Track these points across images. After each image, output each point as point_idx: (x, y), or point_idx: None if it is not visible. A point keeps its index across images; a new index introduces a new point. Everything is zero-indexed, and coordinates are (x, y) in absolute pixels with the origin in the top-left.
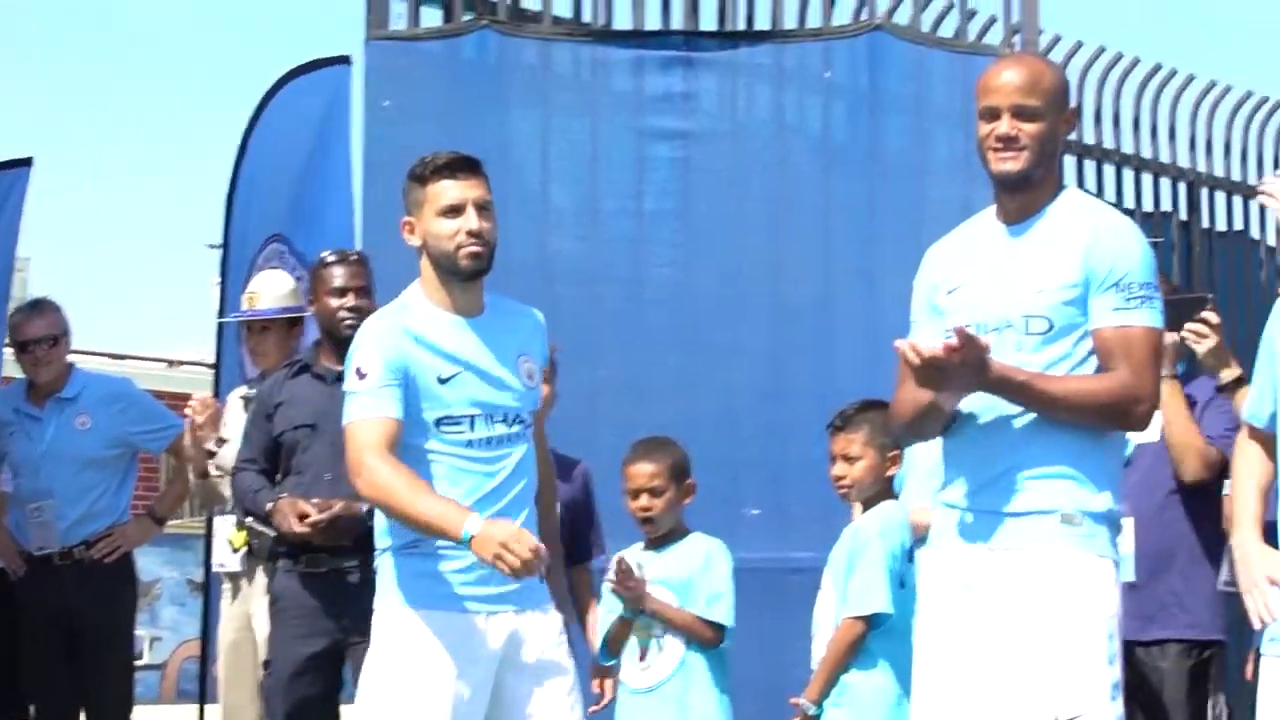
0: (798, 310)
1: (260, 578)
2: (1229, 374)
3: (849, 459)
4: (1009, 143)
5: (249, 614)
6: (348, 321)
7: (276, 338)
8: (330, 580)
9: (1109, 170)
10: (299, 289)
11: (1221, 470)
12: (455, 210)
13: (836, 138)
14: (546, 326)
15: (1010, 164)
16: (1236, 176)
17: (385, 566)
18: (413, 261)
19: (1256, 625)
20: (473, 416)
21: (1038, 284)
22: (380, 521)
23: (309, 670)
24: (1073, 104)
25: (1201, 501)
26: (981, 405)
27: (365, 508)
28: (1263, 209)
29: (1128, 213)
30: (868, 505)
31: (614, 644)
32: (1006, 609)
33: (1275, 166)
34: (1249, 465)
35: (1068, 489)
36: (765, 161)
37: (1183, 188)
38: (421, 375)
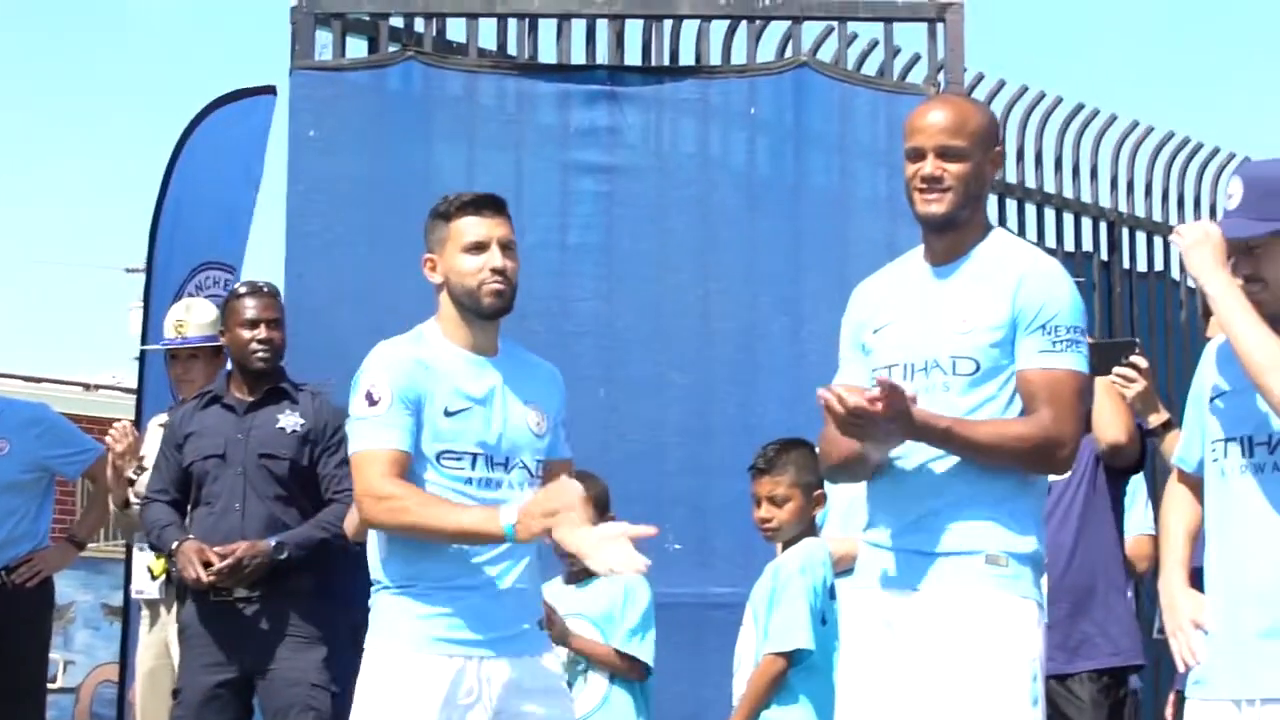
0: (722, 345)
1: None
2: (1157, 419)
3: (775, 501)
4: (933, 183)
5: (166, 641)
6: (259, 353)
7: (203, 366)
8: (230, 612)
9: (1030, 209)
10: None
11: (1135, 465)
12: (480, 247)
13: (761, 173)
14: (564, 385)
15: (935, 205)
16: (1158, 217)
17: (379, 605)
18: (339, 294)
19: (1180, 668)
20: (475, 455)
21: (964, 325)
22: (375, 559)
23: (216, 699)
24: (1000, 144)
25: (1112, 533)
26: (905, 446)
27: (273, 543)
28: None
29: (1049, 252)
30: (790, 543)
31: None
32: (929, 649)
33: (1196, 207)
34: (1178, 509)
35: (991, 530)
36: (690, 196)
37: (1104, 228)
38: (430, 406)
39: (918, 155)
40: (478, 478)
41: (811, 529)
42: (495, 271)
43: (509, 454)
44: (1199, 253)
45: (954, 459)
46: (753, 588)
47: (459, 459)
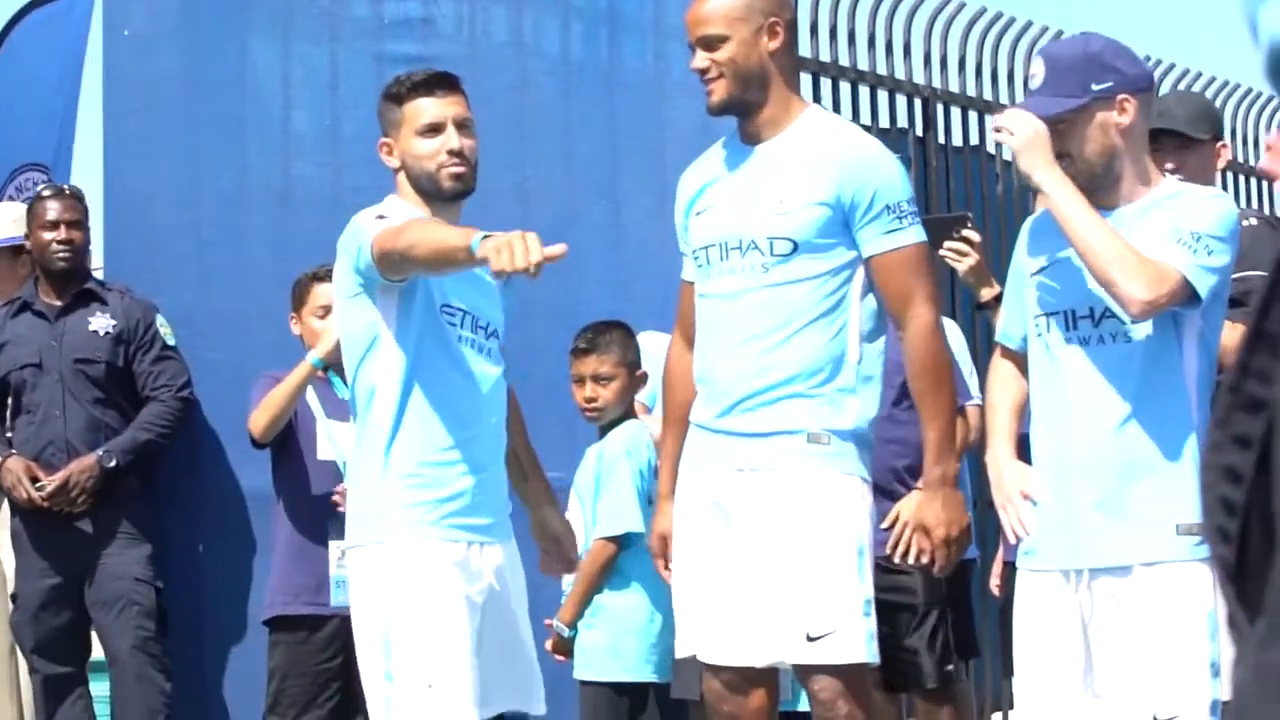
0: (542, 231)
1: (4, 511)
2: (989, 292)
3: (599, 380)
4: (704, 75)
5: None
6: (60, 254)
7: (5, 268)
8: (59, 517)
9: (845, 87)
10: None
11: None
12: (435, 129)
13: (575, 59)
14: None
15: (711, 97)
16: (972, 92)
17: (378, 498)
18: (158, 192)
19: (1011, 540)
20: (464, 313)
21: (782, 205)
22: (373, 457)
23: (53, 603)
24: (784, 14)
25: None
26: (729, 327)
27: (100, 454)
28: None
29: (865, 130)
30: (611, 425)
31: None
32: (757, 527)
33: (1010, 81)
34: (1002, 383)
35: (814, 408)
36: (505, 84)
37: (918, 104)
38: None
39: (692, 51)
40: (467, 337)
41: (632, 410)
42: (453, 154)
43: (490, 320)
44: (1031, 152)
45: (774, 339)
46: (576, 471)
47: (453, 314)
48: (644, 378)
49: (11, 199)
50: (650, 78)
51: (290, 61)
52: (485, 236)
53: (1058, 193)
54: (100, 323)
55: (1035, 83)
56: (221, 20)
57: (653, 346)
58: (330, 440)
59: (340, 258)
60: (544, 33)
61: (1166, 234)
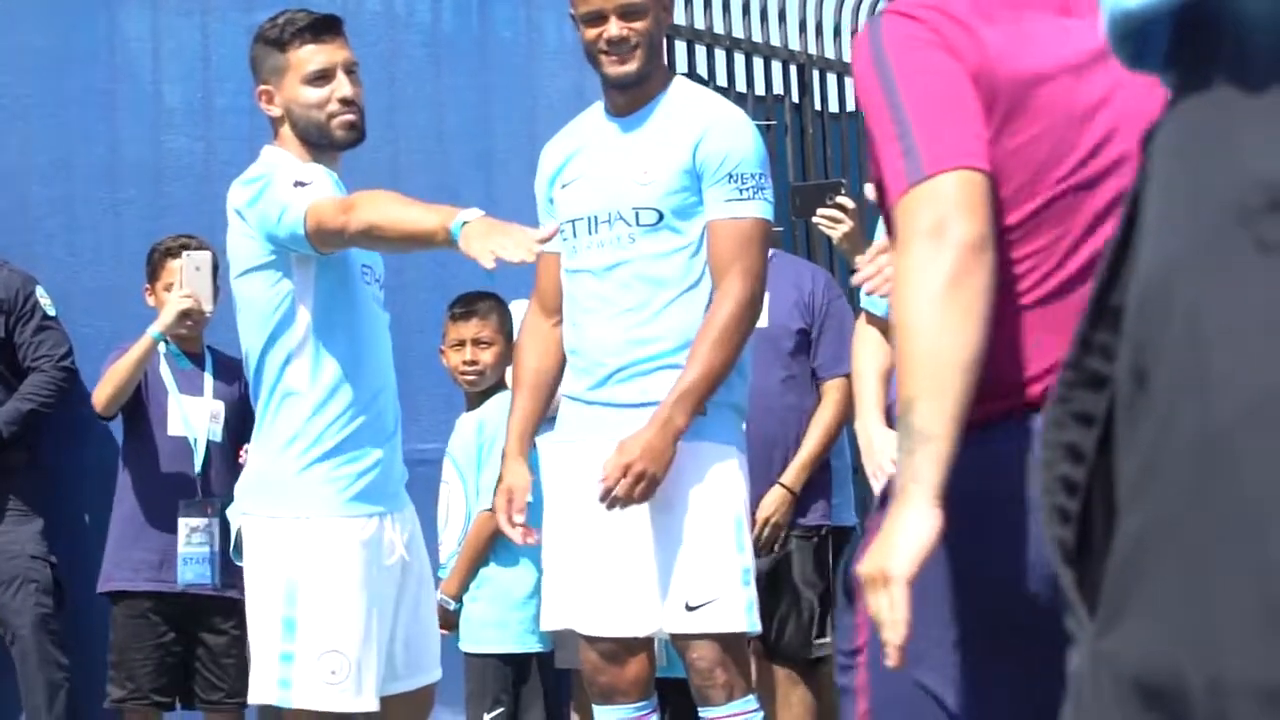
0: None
1: None
2: (863, 259)
3: (480, 344)
4: (620, 44)
5: None
6: None
7: None
8: None
9: (720, 55)
10: None
11: None
12: (324, 76)
13: (446, 29)
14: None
15: (627, 66)
16: (848, 58)
17: (286, 471)
18: (28, 165)
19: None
20: (372, 267)
21: (646, 176)
22: (291, 399)
23: None
24: None
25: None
26: (601, 299)
27: None
28: None
29: (739, 98)
30: (485, 396)
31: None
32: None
33: None
34: (868, 351)
35: None
36: (376, 55)
37: (794, 70)
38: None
39: (598, 18)
40: (375, 294)
41: (504, 381)
42: (345, 101)
43: (380, 274)
44: None
45: (643, 313)
46: (449, 441)
47: (368, 272)
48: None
49: None
50: (522, 46)
51: (160, 33)
52: (465, 222)
53: None
54: None
55: None
56: None
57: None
58: (182, 416)
59: (240, 225)
60: (414, 4)
61: None
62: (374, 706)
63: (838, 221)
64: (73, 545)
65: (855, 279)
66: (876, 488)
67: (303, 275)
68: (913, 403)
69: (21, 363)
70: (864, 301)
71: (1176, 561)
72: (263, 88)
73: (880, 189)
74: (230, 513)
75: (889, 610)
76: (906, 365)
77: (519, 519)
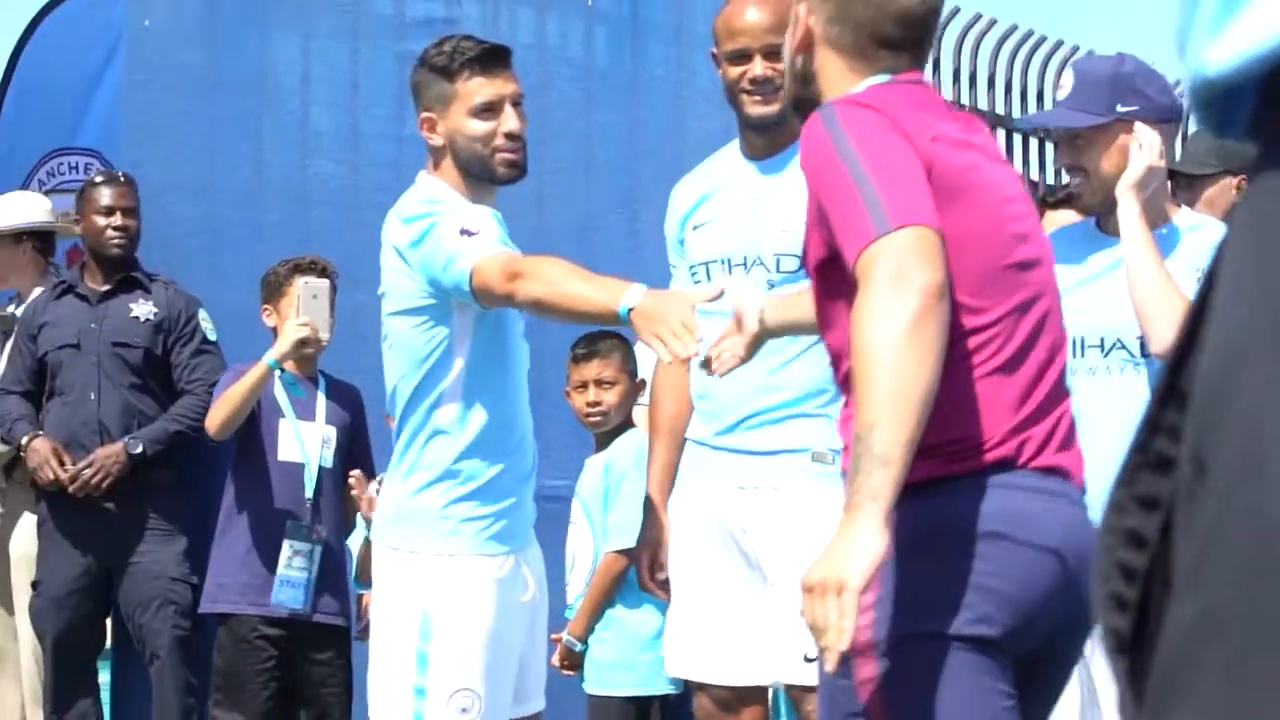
0: (558, 238)
1: (17, 496)
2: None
3: (602, 385)
4: (764, 85)
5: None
6: (115, 240)
7: (10, 256)
8: (89, 506)
9: None
10: (49, 208)
11: None
12: (491, 110)
13: (598, 65)
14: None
15: (769, 108)
16: (1001, 110)
17: (429, 503)
18: (173, 184)
19: None
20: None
21: (788, 221)
22: (440, 438)
23: (77, 592)
24: None
25: None
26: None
27: (127, 443)
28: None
29: None
30: (612, 435)
31: (363, 567)
32: (758, 547)
33: (1022, 98)
34: None
35: (818, 427)
36: (527, 87)
37: None
38: None
39: (742, 57)
40: (519, 330)
41: (631, 420)
42: (510, 137)
43: None
44: (1141, 172)
45: (779, 358)
46: (578, 481)
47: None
48: (643, 385)
49: (42, 183)
50: (672, 85)
51: (310, 58)
52: (631, 307)
53: (1134, 216)
54: (142, 309)
55: (1062, 94)
56: (243, 14)
57: (649, 356)
58: (297, 441)
59: (398, 264)
60: (568, 37)
61: (1187, 268)
62: None
63: None
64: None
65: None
66: None
67: (461, 322)
68: (873, 428)
69: (176, 384)
70: None
71: (1222, 662)
72: (425, 115)
73: (819, 259)
74: (351, 541)
75: (837, 618)
76: (868, 394)
77: (661, 575)
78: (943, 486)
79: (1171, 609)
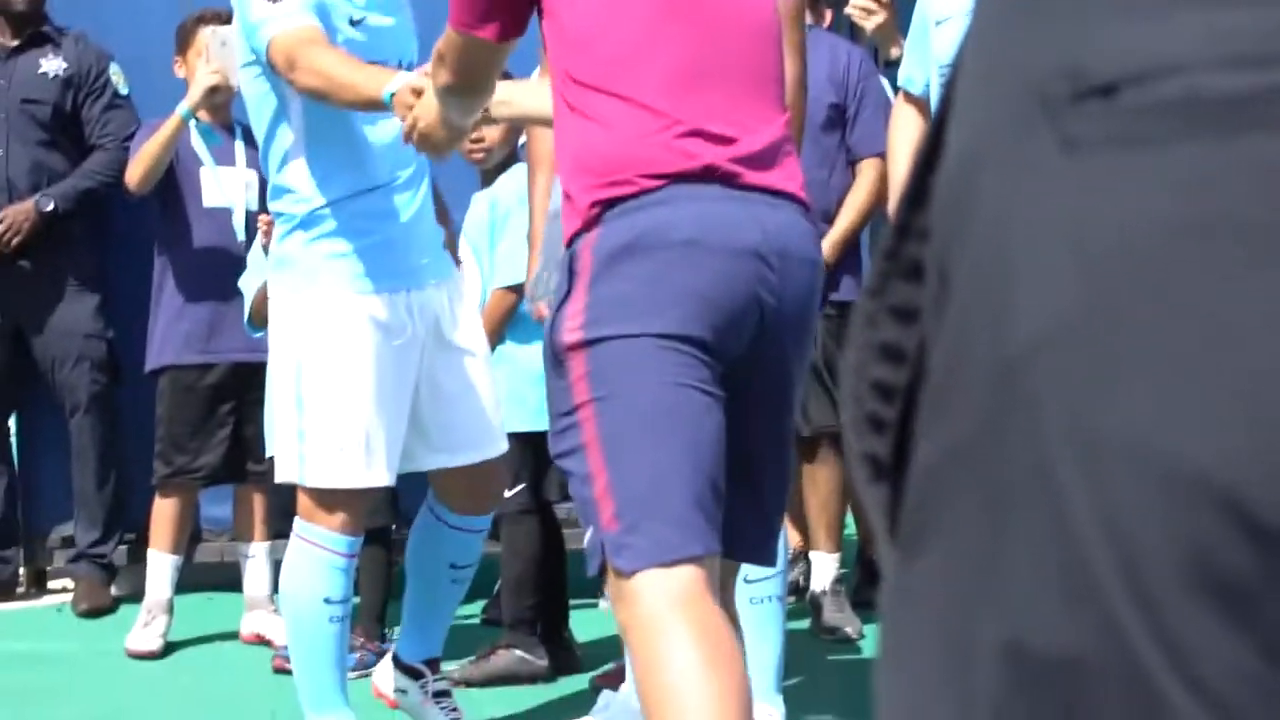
0: None
1: None
2: (898, 51)
3: (485, 121)
4: None
5: None
6: None
7: None
8: (6, 262)
9: None
10: None
11: None
12: None
13: None
14: None
15: None
16: None
17: (293, 247)
18: None
19: None
20: (384, 63)
21: None
22: (291, 195)
23: None
24: None
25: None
26: None
27: (39, 199)
28: None
29: None
30: (497, 172)
31: (257, 310)
32: None
33: None
34: (905, 131)
35: None
36: None
37: None
38: (334, 13)
39: None
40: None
41: (515, 155)
42: None
43: (411, 60)
44: None
45: None
46: (464, 219)
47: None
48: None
49: None
50: None
51: None
52: (393, 93)
53: None
54: (51, 65)
55: None
56: None
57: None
58: (218, 186)
59: (237, 19)
60: None
61: None
62: (386, 481)
63: (870, 12)
64: (130, 319)
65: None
66: None
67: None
68: None
69: (87, 139)
70: (901, 80)
71: (971, 502)
72: None
73: None
74: (242, 283)
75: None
76: None
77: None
78: (641, 200)
79: (916, 445)
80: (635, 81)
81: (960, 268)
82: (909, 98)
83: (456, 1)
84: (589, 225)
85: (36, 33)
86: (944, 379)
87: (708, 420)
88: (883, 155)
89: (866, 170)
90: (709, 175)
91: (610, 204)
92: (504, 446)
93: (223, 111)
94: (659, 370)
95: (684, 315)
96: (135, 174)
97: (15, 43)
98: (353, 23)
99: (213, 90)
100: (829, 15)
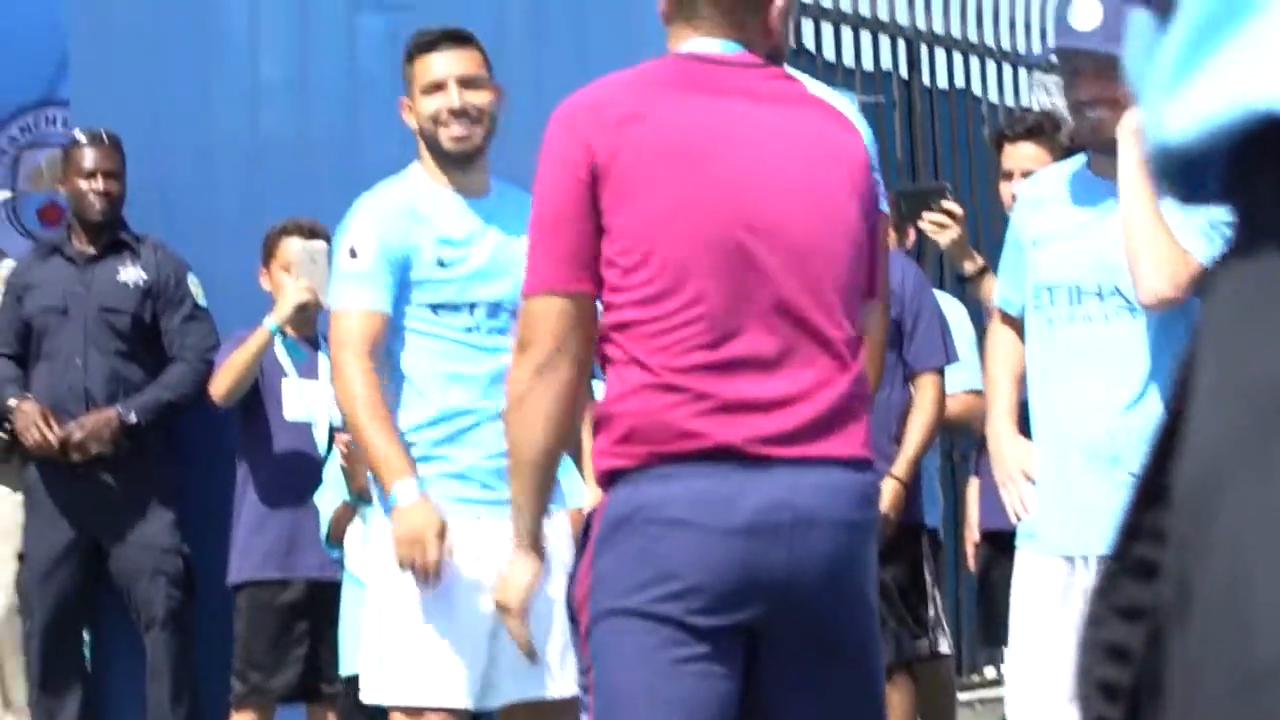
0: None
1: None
2: (972, 266)
3: None
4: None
5: None
6: (98, 205)
7: None
8: (77, 474)
9: (828, 29)
10: None
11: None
12: (437, 87)
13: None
14: None
15: None
16: (956, 33)
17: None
18: (124, 142)
19: (1013, 520)
20: (473, 304)
21: None
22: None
23: (66, 563)
24: None
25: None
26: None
27: (119, 410)
28: (984, 64)
29: (847, 73)
30: None
31: (337, 528)
32: None
33: (995, 22)
34: (1003, 353)
35: None
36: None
37: (902, 45)
38: (419, 257)
39: None
40: (476, 324)
41: None
42: (453, 112)
43: (504, 301)
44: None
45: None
46: None
47: (457, 310)
48: None
49: (14, 140)
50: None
51: (259, 8)
52: (408, 489)
53: (1134, 160)
54: (130, 274)
55: (1084, 23)
56: None
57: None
58: (301, 399)
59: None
60: None
61: (1190, 218)
62: (464, 704)
63: (944, 227)
64: (207, 535)
65: None
66: (1006, 498)
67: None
68: (510, 481)
69: (167, 350)
70: (998, 300)
71: None
72: (403, 99)
73: None
74: (318, 499)
75: (518, 631)
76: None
77: None
78: (634, 476)
79: None
80: (658, 343)
81: (1203, 581)
82: (1006, 319)
83: (542, 261)
84: (603, 487)
85: (114, 240)
86: (1185, 690)
87: (693, 693)
88: (940, 370)
89: (926, 387)
90: (720, 454)
91: (618, 474)
92: (568, 691)
93: (308, 325)
94: (638, 646)
95: (664, 594)
96: (222, 386)
97: (93, 250)
98: (441, 263)
99: (302, 307)
100: (911, 235)
